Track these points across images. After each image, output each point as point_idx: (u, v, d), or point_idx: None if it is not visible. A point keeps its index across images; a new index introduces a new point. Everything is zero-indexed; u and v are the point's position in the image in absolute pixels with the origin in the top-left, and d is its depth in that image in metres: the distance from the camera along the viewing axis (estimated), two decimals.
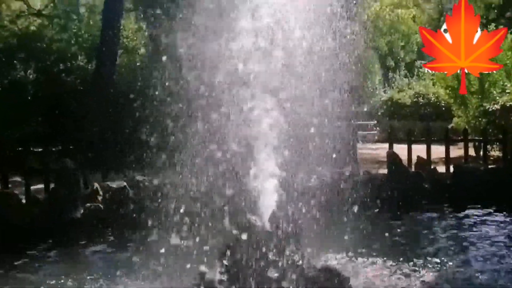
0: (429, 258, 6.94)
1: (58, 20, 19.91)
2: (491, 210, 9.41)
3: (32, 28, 18.67)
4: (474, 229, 8.62)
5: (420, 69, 25.27)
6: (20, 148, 11.80)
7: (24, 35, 18.04)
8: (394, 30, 30.70)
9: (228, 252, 4.93)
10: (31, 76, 16.71)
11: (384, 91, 25.14)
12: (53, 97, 15.18)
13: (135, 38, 18.29)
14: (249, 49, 5.58)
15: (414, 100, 22.42)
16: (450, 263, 6.78)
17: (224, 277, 4.83)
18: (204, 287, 4.88)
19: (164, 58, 6.20)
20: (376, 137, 20.14)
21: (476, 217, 9.21)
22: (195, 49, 5.78)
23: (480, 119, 15.29)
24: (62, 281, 6.45)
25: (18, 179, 11.28)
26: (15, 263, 7.10)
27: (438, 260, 6.86)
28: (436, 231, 8.65)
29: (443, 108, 20.15)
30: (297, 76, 5.84)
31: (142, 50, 17.84)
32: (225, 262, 4.89)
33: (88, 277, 6.57)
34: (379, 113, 21.21)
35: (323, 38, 6.13)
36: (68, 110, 14.50)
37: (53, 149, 11.64)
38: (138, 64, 16.83)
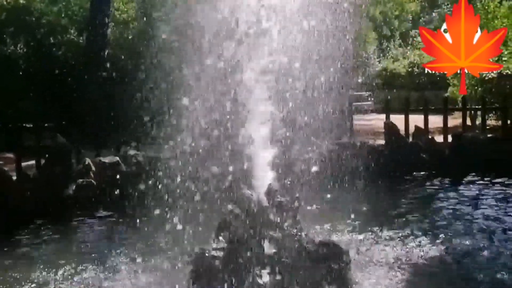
0: (428, 230, 6.86)
1: None
2: (491, 179, 9.36)
3: (21, 1, 18.29)
4: (476, 198, 8.56)
5: (415, 38, 25.09)
6: (11, 125, 11.60)
7: (13, 8, 17.68)
8: None
9: (224, 228, 4.81)
10: (21, 51, 16.43)
11: (379, 61, 24.96)
12: (44, 71, 14.92)
13: (126, 9, 17.95)
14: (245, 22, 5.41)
15: (409, 69, 22.27)
16: (449, 234, 6.68)
17: (221, 254, 4.70)
18: (200, 264, 4.75)
19: (156, 31, 6.02)
20: (371, 108, 19.96)
21: (477, 186, 9.17)
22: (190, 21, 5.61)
23: (476, 87, 15.15)
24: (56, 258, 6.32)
25: (8, 155, 11.09)
26: (8, 243, 6.95)
27: (435, 231, 6.78)
28: (436, 201, 8.59)
29: (438, 78, 19.97)
30: (291, 48, 5.66)
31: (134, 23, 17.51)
32: (221, 238, 4.77)
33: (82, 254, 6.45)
34: (374, 84, 21.01)
35: (316, 8, 5.95)
36: (60, 85, 14.25)
37: (45, 125, 11.41)
38: (130, 37, 16.53)
